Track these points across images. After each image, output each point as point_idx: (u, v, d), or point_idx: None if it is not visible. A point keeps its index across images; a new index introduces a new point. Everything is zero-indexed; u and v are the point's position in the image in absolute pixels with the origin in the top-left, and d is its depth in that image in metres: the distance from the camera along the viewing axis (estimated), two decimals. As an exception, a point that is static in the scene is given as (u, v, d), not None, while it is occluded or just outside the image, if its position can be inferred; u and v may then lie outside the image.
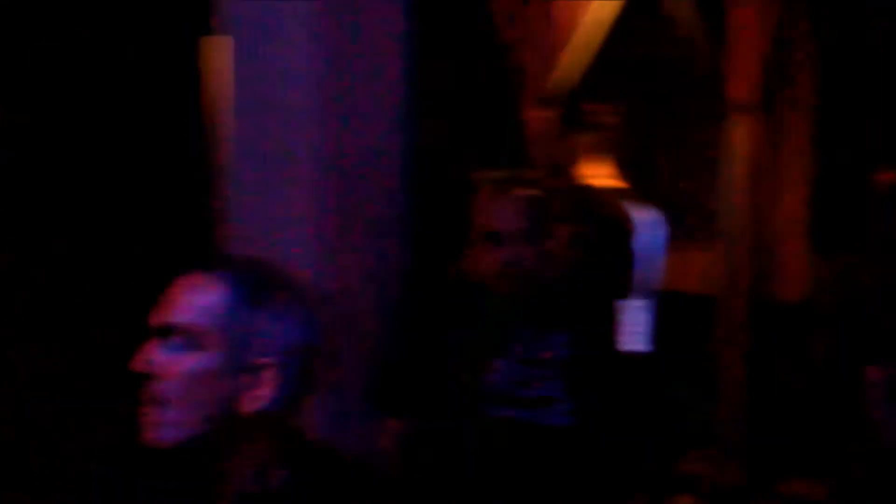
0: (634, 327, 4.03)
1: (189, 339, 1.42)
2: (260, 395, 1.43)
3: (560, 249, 3.22)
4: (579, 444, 2.38)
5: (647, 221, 4.43)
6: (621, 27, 4.74)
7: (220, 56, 2.77)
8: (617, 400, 2.49)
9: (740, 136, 5.00)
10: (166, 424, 1.41)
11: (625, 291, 3.75)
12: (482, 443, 2.38)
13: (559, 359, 2.39)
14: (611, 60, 4.89)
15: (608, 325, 2.86)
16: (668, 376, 4.57)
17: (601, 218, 3.63)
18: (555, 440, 2.36)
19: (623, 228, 3.73)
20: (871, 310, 3.58)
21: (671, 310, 4.65)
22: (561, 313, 2.47)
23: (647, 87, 5.38)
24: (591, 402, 2.41)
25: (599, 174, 3.99)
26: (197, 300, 1.43)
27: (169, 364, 1.41)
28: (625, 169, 4.29)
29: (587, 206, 3.51)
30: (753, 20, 4.95)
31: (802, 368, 5.40)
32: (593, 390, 2.42)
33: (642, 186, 4.47)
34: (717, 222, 5.13)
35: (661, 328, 4.45)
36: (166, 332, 1.43)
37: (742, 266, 5.02)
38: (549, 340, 2.41)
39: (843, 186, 5.56)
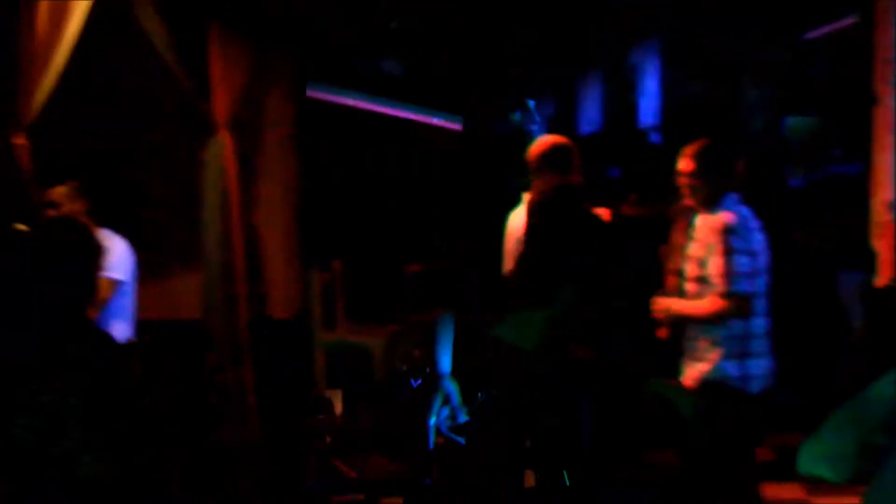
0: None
1: None
2: None
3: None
4: (112, 493, 2.24)
5: (115, 251, 4.38)
6: (95, 53, 4.62)
7: None
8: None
9: (220, 158, 5.05)
10: None
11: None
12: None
13: (81, 405, 2.23)
14: (87, 86, 4.77)
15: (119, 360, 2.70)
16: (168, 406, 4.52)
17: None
18: (86, 494, 2.20)
19: None
20: None
21: (165, 337, 4.62)
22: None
23: (125, 114, 5.28)
24: (119, 445, 2.27)
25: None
26: None
27: None
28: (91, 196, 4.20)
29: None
30: (231, 49, 5.04)
31: (300, 378, 5.62)
32: (119, 432, 2.28)
33: (116, 214, 4.39)
34: (203, 246, 5.11)
35: (157, 355, 4.40)
36: None
37: (226, 287, 5.06)
38: (66, 387, 2.24)
39: (329, 205, 5.87)
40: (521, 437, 4.37)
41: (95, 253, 3.07)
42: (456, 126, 7.09)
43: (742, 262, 3.77)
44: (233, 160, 5.08)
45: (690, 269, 3.92)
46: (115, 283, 4.39)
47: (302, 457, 5.38)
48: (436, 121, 7.04)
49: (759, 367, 3.88)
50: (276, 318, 5.45)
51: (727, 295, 3.76)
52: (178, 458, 4.08)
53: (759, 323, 3.88)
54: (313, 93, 6.00)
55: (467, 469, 3.75)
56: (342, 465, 5.79)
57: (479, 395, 5.01)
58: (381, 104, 6.77)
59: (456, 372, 5.16)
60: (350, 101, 6.59)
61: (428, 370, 6.15)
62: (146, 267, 4.65)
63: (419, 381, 7.50)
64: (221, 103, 5.03)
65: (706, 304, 3.82)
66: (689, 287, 3.92)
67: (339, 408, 6.07)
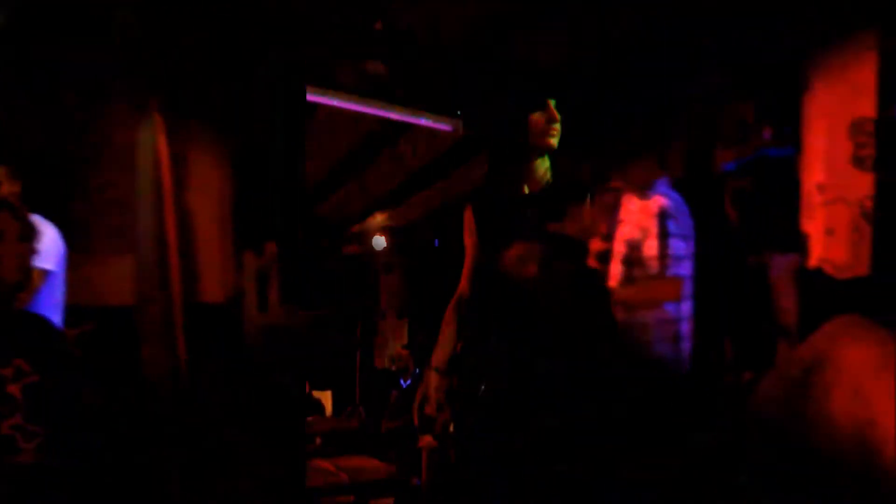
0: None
1: None
2: None
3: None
4: (50, 479, 2.20)
5: (45, 240, 4.29)
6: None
7: None
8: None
9: (154, 140, 5.01)
10: None
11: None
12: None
13: (25, 388, 2.19)
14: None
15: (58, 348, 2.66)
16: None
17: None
18: (21, 479, 2.17)
19: None
20: None
21: (98, 325, 4.56)
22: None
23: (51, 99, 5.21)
24: (65, 431, 2.23)
25: None
26: None
27: None
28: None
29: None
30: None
31: (237, 368, 5.58)
32: (65, 417, 2.25)
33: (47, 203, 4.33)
34: (136, 228, 5.04)
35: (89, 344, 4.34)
36: None
37: (159, 272, 5.01)
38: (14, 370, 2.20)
39: (261, 184, 5.81)
40: (515, 437, 4.34)
41: (33, 238, 3.04)
42: (446, 128, 7.05)
43: (678, 245, 3.81)
44: (165, 142, 5.04)
45: (619, 250, 3.94)
46: (46, 273, 4.31)
47: (302, 457, 5.37)
48: (423, 122, 7.01)
49: (687, 349, 3.93)
50: (209, 302, 5.41)
51: (665, 279, 3.79)
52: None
53: (688, 306, 3.93)
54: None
55: (458, 469, 3.74)
56: (331, 467, 5.79)
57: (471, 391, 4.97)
58: (363, 105, 6.72)
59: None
60: (330, 102, 6.53)
61: (417, 371, 6.14)
62: (74, 251, 4.58)
63: (409, 382, 7.51)
64: (156, 84, 5.02)
65: (651, 288, 3.85)
66: (615, 269, 3.94)
67: (329, 409, 6.07)
